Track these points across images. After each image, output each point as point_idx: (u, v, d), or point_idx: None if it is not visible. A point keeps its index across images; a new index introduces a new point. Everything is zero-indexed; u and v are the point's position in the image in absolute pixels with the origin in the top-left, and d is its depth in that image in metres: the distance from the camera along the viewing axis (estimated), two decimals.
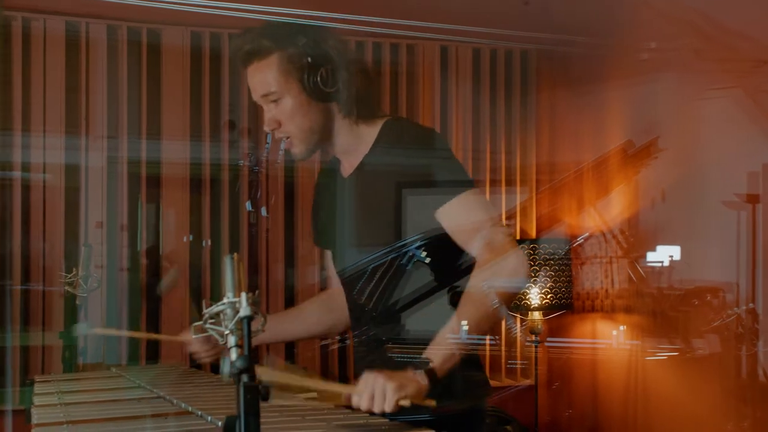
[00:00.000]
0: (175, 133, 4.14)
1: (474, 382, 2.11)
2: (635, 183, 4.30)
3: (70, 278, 2.86)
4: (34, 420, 1.92)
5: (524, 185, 4.62)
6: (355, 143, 2.14)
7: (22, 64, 3.87)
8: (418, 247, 2.03)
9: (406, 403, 1.73)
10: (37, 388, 2.40)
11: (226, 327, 1.42)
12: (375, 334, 2.14)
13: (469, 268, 1.97)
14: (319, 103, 2.06)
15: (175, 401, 2.08)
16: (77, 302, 2.93)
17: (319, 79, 2.03)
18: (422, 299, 2.07)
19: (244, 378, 1.35)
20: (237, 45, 2.11)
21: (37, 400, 2.20)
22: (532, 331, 4.08)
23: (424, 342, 1.91)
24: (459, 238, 2.00)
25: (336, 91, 2.05)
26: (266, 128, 2.12)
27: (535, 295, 4.00)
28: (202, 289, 4.17)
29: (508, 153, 4.58)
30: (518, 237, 4.51)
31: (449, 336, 1.88)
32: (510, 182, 4.59)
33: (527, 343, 4.33)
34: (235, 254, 1.46)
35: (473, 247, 1.97)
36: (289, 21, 2.16)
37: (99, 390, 2.35)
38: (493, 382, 4.46)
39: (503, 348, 4.51)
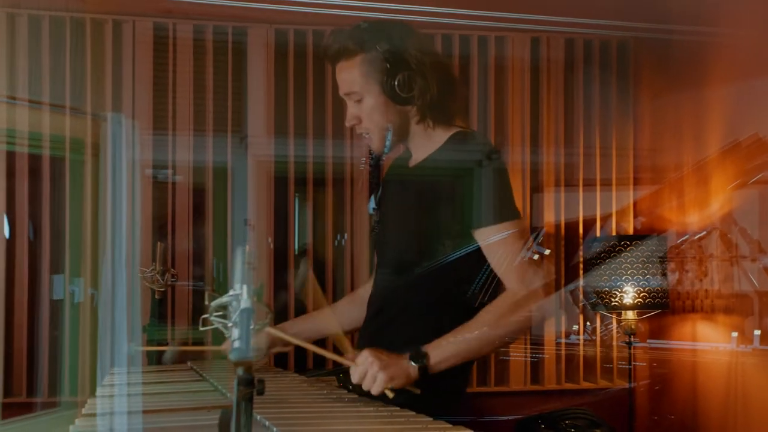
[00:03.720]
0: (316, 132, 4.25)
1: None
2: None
3: (148, 273, 2.96)
4: (84, 410, 1.97)
5: (621, 183, 4.45)
6: (426, 143, 2.28)
7: (113, 65, 4.05)
8: (540, 242, 2.16)
9: (390, 394, 1.94)
10: (107, 380, 2.46)
11: (230, 319, 1.42)
12: None
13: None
14: (396, 105, 2.20)
15: (229, 395, 2.11)
16: (156, 296, 3.03)
17: (396, 83, 2.15)
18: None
19: (239, 371, 1.34)
20: (326, 44, 2.27)
21: (98, 392, 2.26)
22: (626, 332, 3.95)
23: (539, 342, 2.06)
24: (493, 262, 2.12)
25: (412, 97, 2.17)
26: (347, 123, 2.29)
27: (628, 294, 3.87)
28: (345, 287, 4.22)
29: (603, 148, 4.44)
30: (614, 233, 4.36)
31: (459, 339, 2.05)
32: (606, 179, 4.44)
33: (621, 343, 4.20)
34: (247, 246, 1.46)
35: (505, 275, 2.11)
36: (384, 19, 2.30)
37: (163, 383, 2.39)
38: (587, 384, 4.36)
39: (598, 348, 4.37)
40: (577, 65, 4.44)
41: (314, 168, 4.23)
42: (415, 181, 2.29)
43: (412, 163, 2.33)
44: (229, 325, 1.41)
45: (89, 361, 3.89)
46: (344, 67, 2.22)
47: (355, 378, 1.97)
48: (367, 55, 2.18)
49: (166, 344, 3.14)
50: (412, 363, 1.99)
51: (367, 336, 2.37)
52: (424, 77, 2.17)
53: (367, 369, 1.95)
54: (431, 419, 1.82)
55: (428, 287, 2.19)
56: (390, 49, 2.15)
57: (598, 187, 4.42)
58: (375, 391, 1.94)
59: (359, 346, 2.34)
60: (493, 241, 2.10)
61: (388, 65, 2.15)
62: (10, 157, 3.94)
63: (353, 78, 2.20)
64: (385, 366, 1.95)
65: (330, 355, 2.15)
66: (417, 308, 2.23)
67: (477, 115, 4.33)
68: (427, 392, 2.08)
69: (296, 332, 2.54)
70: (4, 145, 3.92)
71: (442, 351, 2.02)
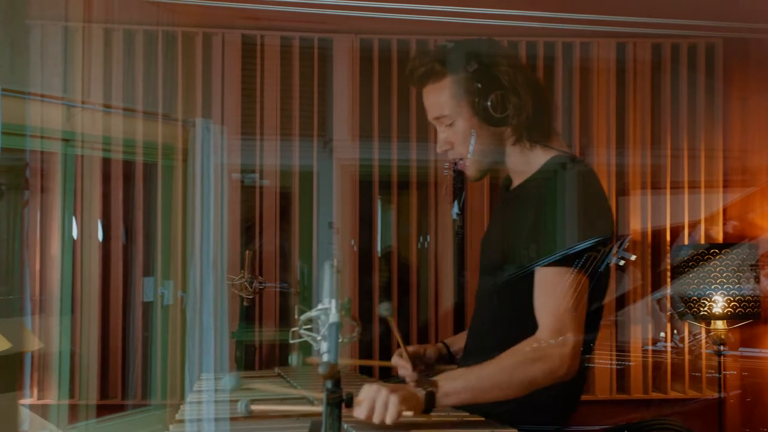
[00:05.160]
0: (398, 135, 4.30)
1: None
2: None
3: (237, 281, 3.03)
4: (177, 416, 2.03)
5: (710, 186, 4.36)
6: (523, 166, 2.17)
7: (202, 73, 4.18)
8: (626, 248, 2.09)
9: (408, 414, 1.79)
10: (196, 386, 2.52)
11: (319, 333, 1.46)
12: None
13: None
14: (490, 127, 2.10)
15: (316, 402, 2.13)
16: (245, 303, 3.10)
17: (489, 104, 2.06)
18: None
19: (328, 383, 1.37)
20: (412, 67, 2.18)
21: (189, 397, 2.32)
22: (716, 341, 3.87)
23: (625, 350, 1.94)
24: (538, 302, 1.99)
25: (507, 117, 2.07)
26: (439, 149, 2.20)
27: (717, 303, 3.78)
28: (429, 290, 4.25)
29: (691, 150, 4.35)
30: (703, 240, 4.27)
31: (473, 374, 1.91)
32: (694, 182, 4.35)
33: (709, 352, 4.11)
34: (335, 260, 1.48)
35: (541, 318, 1.97)
36: (469, 38, 2.22)
37: (252, 389, 2.44)
38: (675, 394, 4.28)
39: (686, 357, 4.29)
40: (664, 68, 4.36)
41: (398, 171, 4.26)
42: (513, 204, 2.20)
43: (513, 186, 2.25)
44: (318, 338, 1.45)
45: (179, 363, 4.00)
46: (432, 90, 2.14)
47: (362, 413, 1.78)
48: (456, 76, 2.10)
49: (254, 349, 3.22)
50: (419, 389, 1.86)
51: (470, 343, 2.33)
52: (518, 95, 2.07)
53: (375, 397, 1.78)
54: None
55: (518, 301, 2.08)
56: (479, 68, 2.07)
57: (686, 190, 4.34)
58: (390, 417, 1.76)
59: (465, 352, 2.32)
60: (546, 280, 1.99)
61: (479, 85, 2.07)
62: (106, 163, 4.07)
63: (443, 101, 2.12)
64: (394, 389, 1.79)
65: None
66: (508, 321, 2.15)
67: (562, 118, 4.30)
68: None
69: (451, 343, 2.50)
70: (100, 152, 4.04)
71: (453, 384, 1.89)
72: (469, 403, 1.93)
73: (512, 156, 2.16)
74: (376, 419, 1.77)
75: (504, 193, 2.32)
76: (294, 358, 2.11)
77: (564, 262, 1.96)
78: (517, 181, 2.21)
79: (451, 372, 1.99)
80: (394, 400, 1.76)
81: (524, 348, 1.94)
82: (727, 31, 4.28)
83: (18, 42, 3.84)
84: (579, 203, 2.02)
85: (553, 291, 1.96)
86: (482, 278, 2.27)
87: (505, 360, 1.94)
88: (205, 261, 3.91)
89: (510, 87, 2.07)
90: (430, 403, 1.85)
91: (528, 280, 2.03)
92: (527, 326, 2.00)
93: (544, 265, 1.98)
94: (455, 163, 2.24)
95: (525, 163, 2.16)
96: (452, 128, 2.13)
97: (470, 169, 2.17)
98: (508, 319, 2.12)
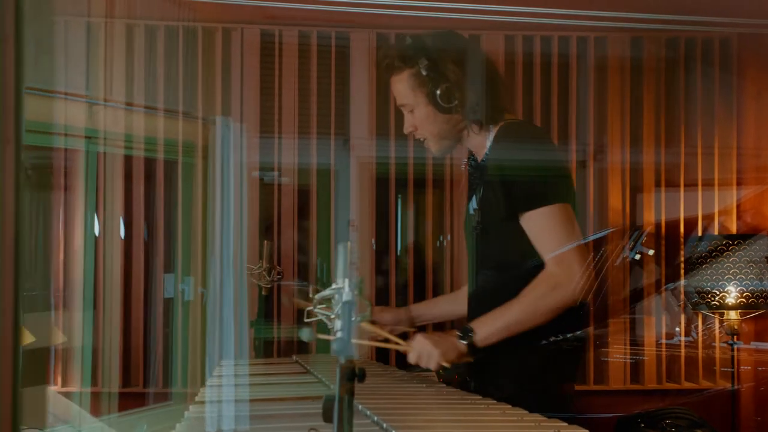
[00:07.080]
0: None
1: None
2: None
3: (255, 270, 3.08)
4: (197, 398, 2.10)
5: (724, 183, 4.37)
6: (480, 143, 2.43)
7: (222, 71, 4.24)
8: (643, 243, 2.26)
9: (447, 365, 2.22)
10: (216, 371, 2.60)
11: (333, 312, 1.51)
12: (585, 332, 2.35)
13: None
14: (443, 114, 2.37)
15: (332, 387, 2.20)
16: (263, 293, 3.15)
17: (438, 96, 2.33)
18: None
19: (341, 359, 1.43)
20: (378, 59, 2.57)
21: (209, 381, 2.39)
22: (729, 332, 3.90)
23: (639, 342, 2.16)
24: (538, 244, 2.24)
25: (456, 105, 2.34)
26: (405, 131, 2.47)
27: (730, 294, 3.81)
28: (444, 287, 4.32)
29: (705, 147, 4.36)
30: (717, 232, 4.29)
31: (506, 314, 2.22)
32: (709, 179, 4.37)
33: (723, 344, 4.13)
34: (349, 242, 1.55)
35: (547, 254, 2.23)
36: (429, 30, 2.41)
37: (268, 374, 2.51)
38: (689, 384, 4.30)
39: (700, 348, 4.31)
40: (678, 64, 4.38)
41: (416, 169, 4.30)
42: (483, 181, 2.40)
43: (479, 160, 2.46)
44: (332, 317, 1.51)
45: (199, 356, 4.05)
46: (395, 81, 2.41)
47: (412, 359, 2.25)
48: (412, 70, 2.35)
49: (272, 340, 3.27)
50: (461, 340, 2.22)
51: (475, 310, 2.45)
52: (461, 89, 2.32)
53: (422, 349, 2.22)
54: (526, 412, 1.87)
55: (518, 285, 2.27)
56: (429, 64, 2.32)
57: (699, 186, 4.35)
58: (433, 366, 2.23)
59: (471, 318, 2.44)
60: (534, 223, 2.24)
61: (428, 79, 2.32)
62: (127, 160, 4.13)
63: (404, 91, 2.38)
64: (436, 343, 2.21)
65: (392, 345, 2.41)
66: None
67: (576, 115, 4.33)
68: (535, 389, 2.26)
69: (418, 314, 2.81)
70: (122, 149, 4.11)
71: (488, 327, 2.23)
72: (503, 339, 2.23)
73: (469, 137, 2.42)
74: (422, 365, 2.23)
75: (472, 169, 2.52)
76: (306, 333, 2.19)
77: (543, 201, 2.23)
78: (480, 155, 2.43)
79: (483, 319, 2.26)
80: (435, 354, 2.20)
81: (540, 282, 2.21)
82: (741, 27, 4.30)
83: (43, 41, 3.90)
84: (532, 152, 2.31)
85: (545, 229, 2.24)
86: (477, 257, 2.48)
87: (528, 296, 2.22)
88: (225, 257, 3.96)
89: (455, 81, 2.32)
90: (471, 350, 2.22)
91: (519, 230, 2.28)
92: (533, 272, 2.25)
93: (527, 211, 2.25)
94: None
95: (481, 139, 2.40)
96: (413, 114, 2.40)
97: (433, 148, 2.45)
98: (515, 269, 2.34)
